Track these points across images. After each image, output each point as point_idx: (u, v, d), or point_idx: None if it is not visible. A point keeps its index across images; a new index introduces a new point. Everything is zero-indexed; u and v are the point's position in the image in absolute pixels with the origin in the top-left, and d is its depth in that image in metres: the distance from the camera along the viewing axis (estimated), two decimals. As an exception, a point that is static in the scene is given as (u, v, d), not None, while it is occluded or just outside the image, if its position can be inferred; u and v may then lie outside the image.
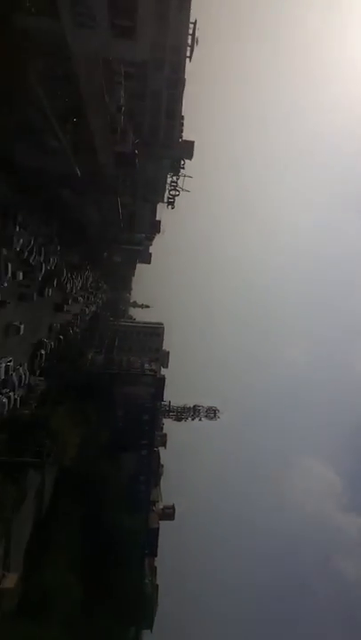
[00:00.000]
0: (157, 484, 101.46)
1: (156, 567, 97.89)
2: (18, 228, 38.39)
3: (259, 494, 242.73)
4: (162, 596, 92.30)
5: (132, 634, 79.14)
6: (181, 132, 75.74)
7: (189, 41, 66.86)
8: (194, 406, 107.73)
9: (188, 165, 78.54)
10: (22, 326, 42.14)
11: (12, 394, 39.09)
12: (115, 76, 48.48)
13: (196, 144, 77.02)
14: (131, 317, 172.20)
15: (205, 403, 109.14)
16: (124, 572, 68.81)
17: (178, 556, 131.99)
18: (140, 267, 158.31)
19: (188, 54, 67.98)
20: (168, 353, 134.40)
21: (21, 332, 42.13)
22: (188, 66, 69.30)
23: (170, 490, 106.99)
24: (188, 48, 67.42)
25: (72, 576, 53.14)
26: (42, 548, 47.70)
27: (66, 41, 27.33)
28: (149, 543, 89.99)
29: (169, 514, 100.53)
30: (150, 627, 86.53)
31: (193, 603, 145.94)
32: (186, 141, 76.50)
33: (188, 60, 68.77)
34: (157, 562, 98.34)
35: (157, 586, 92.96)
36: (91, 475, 60.08)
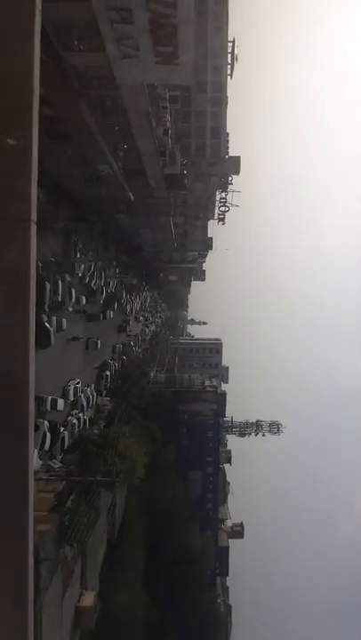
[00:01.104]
0: (225, 501, 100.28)
1: (228, 587, 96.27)
2: (79, 255, 40.03)
3: (332, 509, 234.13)
4: (236, 617, 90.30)
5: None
6: (227, 148, 76.65)
7: (229, 59, 68.18)
8: (257, 421, 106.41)
9: (236, 180, 79.15)
10: (99, 341, 47.17)
11: (81, 414, 40.32)
12: (160, 101, 49.99)
13: (243, 159, 77.55)
14: (189, 335, 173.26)
15: (268, 417, 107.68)
16: (195, 592, 68.19)
17: (250, 575, 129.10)
18: (195, 284, 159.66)
19: (228, 72, 69.25)
20: (228, 368, 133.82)
21: (99, 347, 47.11)
22: (230, 83, 70.52)
23: (238, 507, 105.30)
24: (229, 66, 68.70)
25: (146, 594, 53.36)
26: (115, 567, 48.29)
27: (112, 72, 28.51)
28: (220, 562, 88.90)
29: (238, 532, 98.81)
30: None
31: (269, 623, 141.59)
32: (232, 157, 77.24)
33: (229, 77, 70.01)
34: (229, 581, 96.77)
35: (230, 606, 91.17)
36: (159, 494, 60.43)
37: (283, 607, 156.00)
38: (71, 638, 34.09)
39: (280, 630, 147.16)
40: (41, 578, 27.74)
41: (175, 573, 62.09)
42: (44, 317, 32.89)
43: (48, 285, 33.21)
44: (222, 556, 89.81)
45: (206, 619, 71.38)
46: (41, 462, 32.97)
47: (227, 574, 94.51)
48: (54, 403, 34.38)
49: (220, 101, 70.89)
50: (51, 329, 33.06)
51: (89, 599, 36.31)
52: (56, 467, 35.16)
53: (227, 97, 71.25)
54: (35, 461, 30.61)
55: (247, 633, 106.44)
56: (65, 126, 30.46)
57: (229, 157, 76.65)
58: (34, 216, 6.67)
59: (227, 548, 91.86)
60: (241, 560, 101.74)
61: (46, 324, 32.80)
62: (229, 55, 67.29)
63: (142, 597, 52.45)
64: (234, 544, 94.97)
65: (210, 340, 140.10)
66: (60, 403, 35.03)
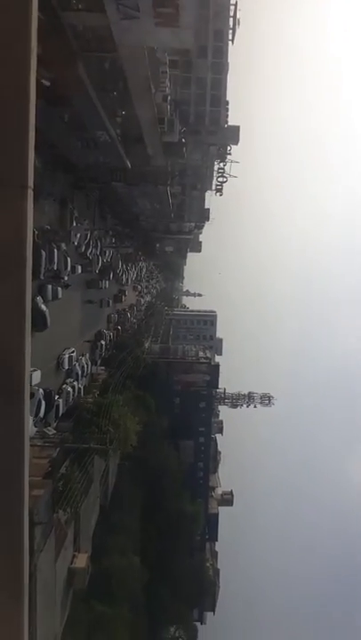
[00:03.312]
0: (215, 470, 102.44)
1: (217, 552, 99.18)
2: (75, 223, 39.61)
3: (319, 480, 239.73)
4: (223, 580, 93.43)
5: (195, 615, 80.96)
6: (227, 117, 75.14)
7: (231, 23, 66.11)
8: (248, 393, 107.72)
9: (235, 150, 77.88)
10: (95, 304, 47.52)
11: (75, 383, 40.66)
12: (160, 66, 48.63)
13: (242, 129, 76.16)
14: (184, 306, 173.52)
15: (260, 389, 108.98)
16: (186, 556, 70.35)
17: (239, 541, 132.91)
18: (191, 255, 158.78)
19: (230, 37, 67.26)
20: (222, 340, 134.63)
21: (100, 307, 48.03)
22: (231, 49, 68.65)
23: (228, 476, 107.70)
24: (230, 31, 66.70)
25: (137, 559, 54.97)
26: (108, 532, 49.56)
27: (111, 34, 27.69)
28: (210, 528, 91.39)
29: (228, 499, 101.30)
30: (213, 609, 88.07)
31: (254, 587, 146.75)
32: (231, 127, 75.84)
33: (230, 43, 68.06)
34: (218, 546, 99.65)
35: (219, 570, 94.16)
36: (152, 461, 61.59)
37: (268, 571, 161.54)
38: (64, 597, 35.16)
39: (265, 592, 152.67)
40: (35, 540, 28.44)
41: (166, 538, 63.87)
42: (40, 299, 32.82)
43: (44, 254, 33.00)
44: (212, 522, 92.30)
45: (195, 581, 73.94)
46: (35, 429, 33.38)
47: (216, 540, 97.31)
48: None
49: (220, 68, 69.15)
50: (46, 310, 32.90)
51: (81, 561, 37.27)
52: (50, 434, 35.66)
53: (228, 63, 69.50)
54: (29, 428, 31.01)
55: (234, 595, 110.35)
56: (62, 90, 29.65)
57: (229, 127, 75.23)
58: (31, 183, 6.53)
59: (216, 515, 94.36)
60: (230, 527, 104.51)
61: (42, 307, 32.72)
62: (231, 19, 65.25)
63: (133, 560, 54.06)
64: (223, 511, 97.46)
65: (204, 311, 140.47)
66: (36, 375, 32.67)
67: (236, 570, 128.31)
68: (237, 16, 65.22)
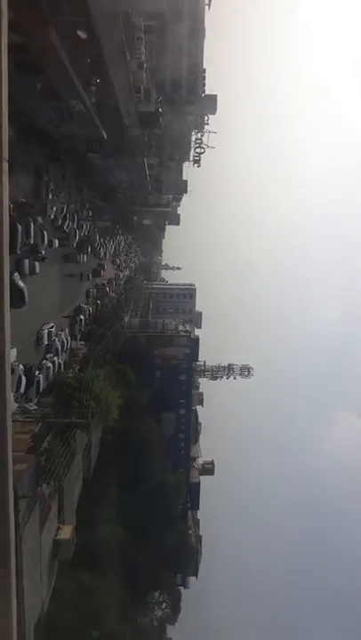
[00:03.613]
0: (197, 441, 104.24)
1: (198, 519, 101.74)
2: (50, 196, 38.77)
3: (298, 449, 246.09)
4: (205, 546, 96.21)
5: (179, 580, 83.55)
6: (204, 85, 73.61)
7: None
8: (228, 365, 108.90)
9: (213, 121, 76.72)
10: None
11: (55, 358, 40.51)
12: (135, 31, 47.17)
13: (219, 98, 74.88)
14: (163, 280, 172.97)
15: (240, 361, 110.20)
16: (168, 524, 72.02)
17: (220, 509, 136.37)
18: (169, 228, 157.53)
19: (206, 1, 65.34)
20: (201, 314, 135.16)
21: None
22: (208, 14, 66.77)
23: (209, 446, 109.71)
24: (206, -5, 64.78)
25: (120, 528, 56.13)
26: (92, 504, 50.34)
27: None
28: (192, 497, 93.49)
29: (209, 469, 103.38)
30: (195, 574, 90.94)
31: (235, 551, 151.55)
32: (209, 96, 74.46)
33: (206, 7, 66.16)
34: (200, 514, 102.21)
35: (201, 537, 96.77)
36: (133, 434, 62.29)
37: (249, 537, 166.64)
38: (50, 567, 35.83)
39: (246, 556, 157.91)
40: (20, 513, 28.75)
41: (149, 507, 65.19)
42: (17, 276, 32.21)
43: (20, 227, 32.32)
44: (193, 491, 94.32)
45: (178, 548, 75.96)
46: (17, 405, 33.30)
47: (198, 508, 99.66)
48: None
49: (196, 33, 67.29)
50: (24, 287, 32.41)
51: (66, 532, 37.88)
52: (32, 409, 35.65)
53: (204, 29, 67.68)
54: (11, 404, 30.94)
55: (216, 560, 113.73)
56: (34, 56, 28.63)
57: (206, 96, 73.81)
58: (5, 154, 6.36)
59: (198, 484, 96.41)
60: (211, 495, 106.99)
61: (20, 283, 32.20)
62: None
63: (117, 530, 55.20)
64: (205, 480, 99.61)
65: (184, 285, 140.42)
66: (13, 352, 31.39)
67: (218, 536, 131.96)
68: (212, -22, 63.34)
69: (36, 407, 36.04)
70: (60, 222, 42.86)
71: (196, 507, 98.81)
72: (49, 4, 27.15)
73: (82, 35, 32.02)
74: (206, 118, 75.94)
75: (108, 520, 53.51)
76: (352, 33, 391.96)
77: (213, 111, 75.12)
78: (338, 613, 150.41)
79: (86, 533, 45.84)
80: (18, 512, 28.10)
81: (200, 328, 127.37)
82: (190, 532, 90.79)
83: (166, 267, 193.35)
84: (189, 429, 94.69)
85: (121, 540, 55.25)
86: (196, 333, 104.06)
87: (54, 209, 40.54)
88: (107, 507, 55.01)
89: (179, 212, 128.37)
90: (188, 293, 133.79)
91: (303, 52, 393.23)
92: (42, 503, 33.91)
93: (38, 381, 36.51)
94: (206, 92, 73.97)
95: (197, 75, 70.28)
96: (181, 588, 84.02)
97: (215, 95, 75.04)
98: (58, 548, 37.28)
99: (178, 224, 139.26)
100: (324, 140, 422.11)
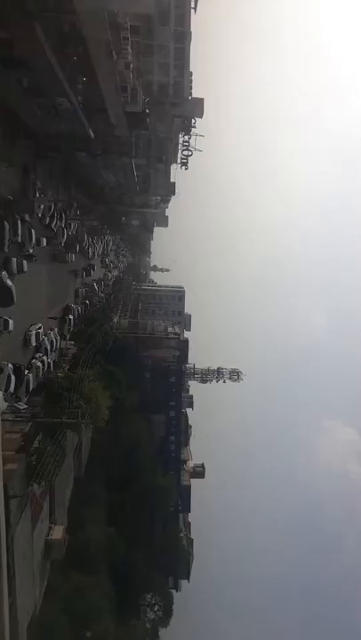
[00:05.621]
0: (187, 443, 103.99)
1: (190, 522, 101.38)
2: (38, 194, 38.56)
3: (288, 453, 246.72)
4: (197, 549, 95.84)
5: (171, 583, 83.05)
6: (190, 88, 73.88)
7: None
8: (218, 368, 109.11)
9: (200, 124, 76.98)
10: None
11: (45, 358, 40.22)
12: (121, 32, 47.28)
13: (207, 102, 75.23)
14: (152, 281, 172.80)
15: (229, 365, 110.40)
16: (160, 527, 71.67)
17: (211, 512, 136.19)
18: (157, 230, 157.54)
19: (193, 5, 65.73)
20: (190, 316, 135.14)
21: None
22: (194, 18, 67.14)
23: (199, 449, 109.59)
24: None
25: (113, 530, 55.75)
26: (83, 504, 49.96)
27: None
28: (183, 500, 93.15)
29: (199, 472, 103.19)
30: (187, 577, 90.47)
31: (227, 555, 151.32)
32: (195, 99, 74.74)
33: (193, 11, 66.53)
34: (191, 517, 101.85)
35: (192, 540, 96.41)
36: (124, 435, 61.99)
37: (241, 541, 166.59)
38: (42, 568, 35.51)
39: (237, 560, 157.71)
40: (11, 513, 28.45)
41: (140, 509, 64.82)
42: (5, 275, 32.02)
43: (7, 225, 32.13)
44: (185, 494, 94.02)
45: (170, 551, 75.57)
46: (6, 404, 32.99)
47: (189, 511, 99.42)
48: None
49: (183, 36, 67.55)
50: (12, 286, 32.20)
51: (58, 533, 37.64)
52: (22, 409, 35.32)
53: (190, 32, 67.96)
54: (0, 403, 30.69)
55: (208, 563, 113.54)
56: (20, 52, 28.51)
57: (193, 99, 74.07)
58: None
59: (189, 487, 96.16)
60: (202, 498, 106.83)
61: (7, 282, 31.99)
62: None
63: (108, 531, 54.82)
64: (195, 483, 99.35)
65: (173, 287, 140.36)
66: None
67: (210, 539, 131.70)
68: (198, -18, 63.69)
69: (25, 406, 35.72)
70: (47, 221, 42.66)
71: (187, 510, 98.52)
72: (37, 1, 27.13)
73: (67, 31, 32.07)
74: (193, 121, 76.14)
75: (99, 521, 53.15)
76: (333, 37, 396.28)
77: (200, 114, 75.40)
78: (330, 618, 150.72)
79: (78, 534, 45.50)
80: (9, 512, 27.86)
81: (189, 330, 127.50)
82: (182, 534, 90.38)
83: (155, 268, 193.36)
84: (180, 432, 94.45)
85: (113, 541, 54.85)
86: (185, 336, 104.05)
87: (42, 207, 40.35)
88: (98, 508, 54.68)
89: (167, 214, 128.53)
90: (178, 295, 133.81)
91: (291, 56, 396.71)
92: (33, 503, 33.62)
93: (28, 380, 36.23)
94: (193, 95, 74.29)
95: (184, 77, 70.48)
96: (173, 590, 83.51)
97: (202, 99, 75.38)
98: (50, 549, 37.03)
99: (166, 226, 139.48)
100: (307, 144, 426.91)
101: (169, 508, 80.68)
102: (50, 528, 37.52)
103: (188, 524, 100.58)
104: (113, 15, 40.01)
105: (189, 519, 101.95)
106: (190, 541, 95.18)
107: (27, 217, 35.88)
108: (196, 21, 67.28)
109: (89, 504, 52.04)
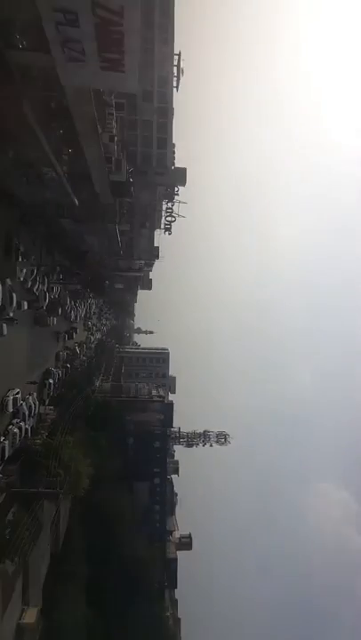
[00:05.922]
0: (173, 512, 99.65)
1: (176, 599, 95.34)
2: (20, 258, 38.92)
3: (278, 519, 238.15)
4: (185, 630, 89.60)
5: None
6: (173, 159, 77.45)
7: (175, 72, 69.27)
8: (204, 432, 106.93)
9: (183, 192, 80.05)
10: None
11: (22, 424, 38.93)
12: (106, 107, 49.95)
13: (189, 170, 78.65)
14: (135, 344, 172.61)
15: (215, 427, 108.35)
16: (144, 606, 67.07)
17: (200, 587, 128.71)
18: (141, 293, 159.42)
19: (175, 84, 70.28)
20: (175, 378, 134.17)
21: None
22: (176, 95, 71.60)
23: (186, 518, 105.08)
24: (175, 78, 69.77)
25: (92, 610, 51.94)
26: (60, 582, 46.73)
27: (57, 74, 28.16)
28: (168, 575, 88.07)
29: (186, 543, 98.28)
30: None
31: (220, 635, 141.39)
32: (178, 169, 78.17)
33: (175, 89, 71.03)
34: (178, 593, 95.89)
35: (180, 619, 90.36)
36: (105, 505, 59.25)
37: (233, 617, 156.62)
38: (11, 657, 32.54)
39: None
40: (-22, 595, 26.43)
41: (122, 587, 60.84)
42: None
43: (-12, 289, 32.12)
44: (171, 568, 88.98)
45: (154, 633, 70.26)
46: (-21, 473, 31.56)
47: (175, 587, 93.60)
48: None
49: (166, 112, 71.68)
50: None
51: (31, 616, 34.88)
52: (-4, 478, 33.79)
53: (173, 108, 72.19)
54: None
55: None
56: (6, 125, 29.67)
57: (176, 169, 77.45)
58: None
59: (175, 560, 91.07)
60: (190, 572, 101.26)
61: None
62: (175, 68, 68.38)
63: (87, 613, 51.00)
64: (182, 555, 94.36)
65: (157, 349, 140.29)
66: None
67: (198, 618, 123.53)
68: (181, 65, 68.41)
69: (0, 475, 34.14)
70: (29, 284, 42.83)
71: (173, 585, 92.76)
72: (23, 79, 28.56)
73: (54, 107, 33.62)
74: (176, 189, 79.15)
75: (77, 601, 49.48)
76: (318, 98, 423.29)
77: (183, 183, 78.55)
78: None
79: (53, 616, 42.17)
80: (-24, 593, 25.89)
81: (174, 393, 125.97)
82: (167, 614, 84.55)
83: (139, 330, 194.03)
84: (165, 500, 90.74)
85: (91, 623, 50.88)
86: (170, 398, 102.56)
87: (24, 271, 40.61)
88: (76, 586, 51.03)
89: (151, 277, 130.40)
90: (162, 357, 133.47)
91: (267, 124, 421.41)
92: (4, 582, 31.37)
93: (3, 448, 34.86)
94: (176, 165, 77.69)
95: (167, 149, 74.05)
96: None
97: (184, 168, 78.81)
98: (22, 634, 34.13)
99: (150, 289, 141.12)
100: (296, 203, 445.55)
101: (153, 585, 75.93)
102: (22, 610, 34.81)
103: (174, 602, 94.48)
104: (98, 93, 42.34)
105: (176, 596, 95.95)
106: (177, 621, 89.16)
107: (8, 281, 35.98)
108: (179, 98, 71.61)
109: (66, 582, 48.54)
